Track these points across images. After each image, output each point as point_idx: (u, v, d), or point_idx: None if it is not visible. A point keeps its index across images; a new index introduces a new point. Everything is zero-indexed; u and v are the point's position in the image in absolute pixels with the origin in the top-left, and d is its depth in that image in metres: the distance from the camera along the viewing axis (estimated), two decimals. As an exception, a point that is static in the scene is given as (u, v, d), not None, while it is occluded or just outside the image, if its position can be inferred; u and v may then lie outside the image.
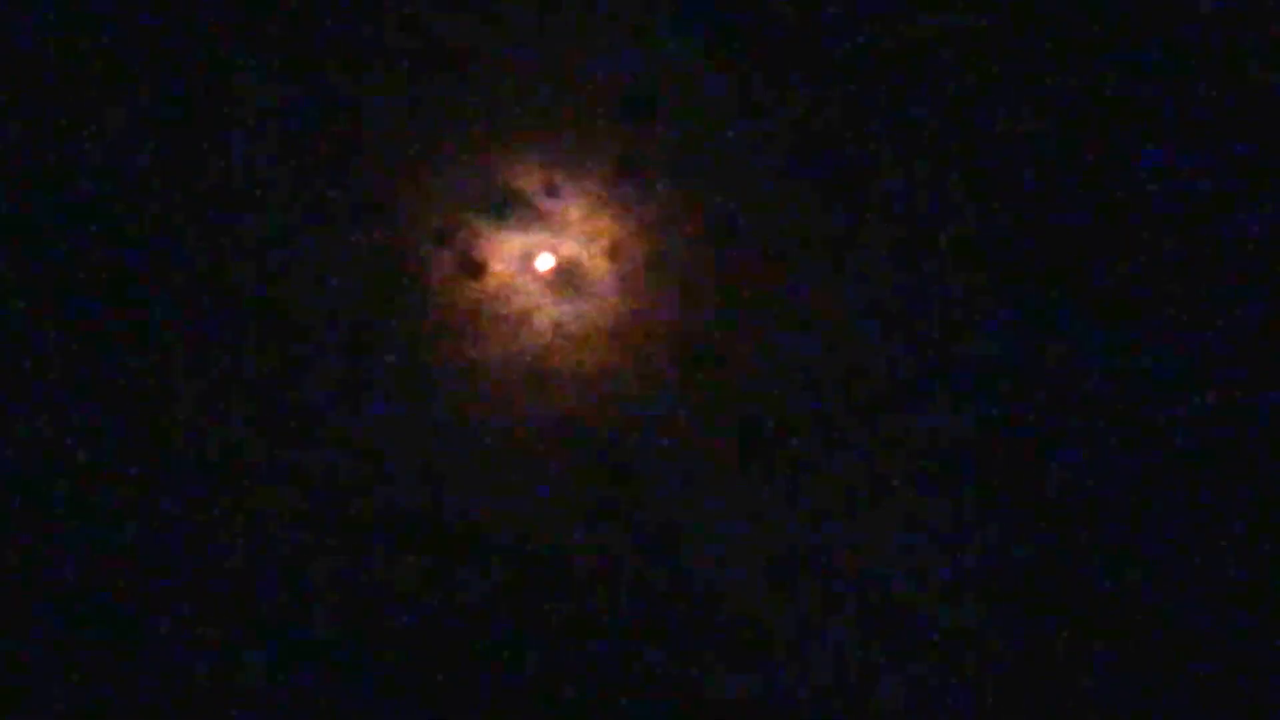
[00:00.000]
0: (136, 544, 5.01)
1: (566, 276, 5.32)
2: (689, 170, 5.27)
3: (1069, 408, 5.19)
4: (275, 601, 5.06)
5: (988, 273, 5.24)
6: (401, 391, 5.17)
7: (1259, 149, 5.21)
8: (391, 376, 5.17)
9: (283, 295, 5.15)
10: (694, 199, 5.28)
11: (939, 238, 5.24)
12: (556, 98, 5.24)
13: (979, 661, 5.12)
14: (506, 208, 5.28)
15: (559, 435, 5.20)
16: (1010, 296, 5.24)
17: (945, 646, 5.14)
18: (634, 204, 5.29)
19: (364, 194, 5.20)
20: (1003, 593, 5.15)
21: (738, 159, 5.29)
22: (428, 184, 5.23)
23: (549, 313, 5.30)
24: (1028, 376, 5.21)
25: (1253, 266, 5.19)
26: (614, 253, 5.29)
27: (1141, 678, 5.08)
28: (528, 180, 5.27)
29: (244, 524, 5.06)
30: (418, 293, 5.21)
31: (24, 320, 5.06)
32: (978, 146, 5.25)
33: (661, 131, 5.26)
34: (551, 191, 5.28)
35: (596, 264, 5.31)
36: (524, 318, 5.29)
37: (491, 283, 5.28)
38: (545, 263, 5.32)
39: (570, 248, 5.32)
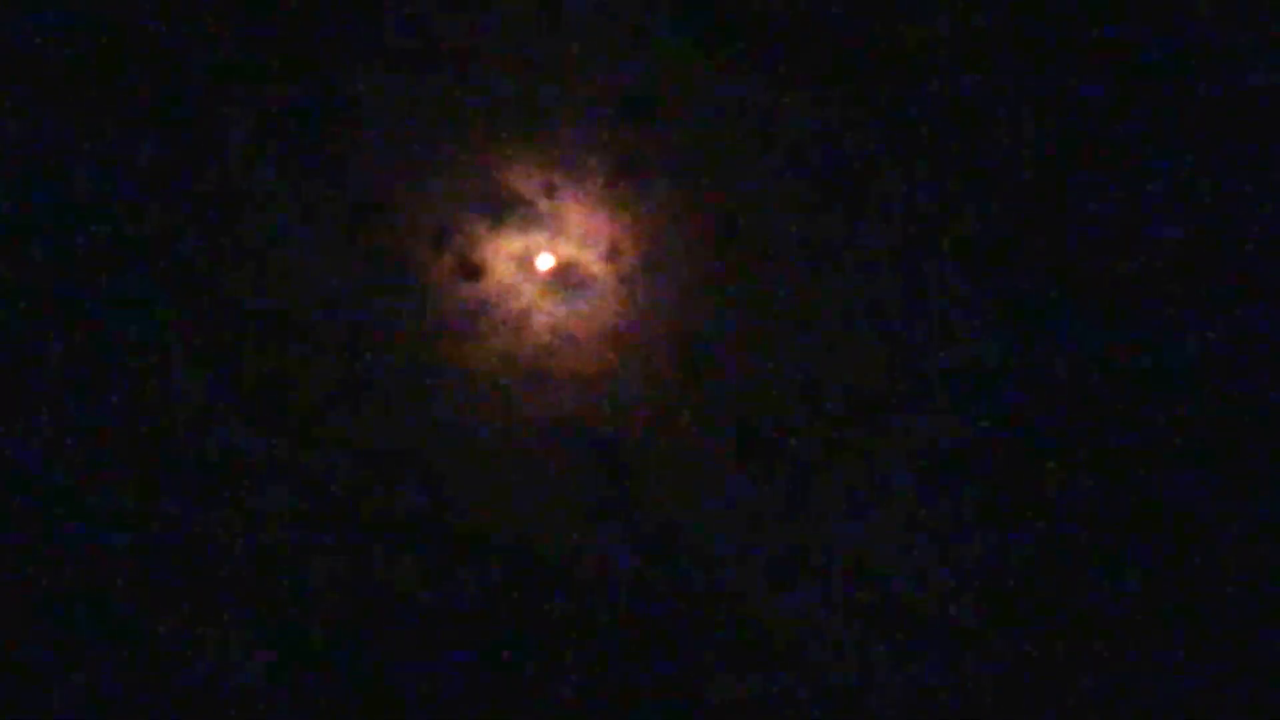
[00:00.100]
0: (136, 544, 5.02)
1: (566, 277, 5.32)
2: (688, 171, 5.27)
3: (1069, 408, 5.19)
4: (275, 601, 5.06)
5: (987, 273, 5.24)
6: (401, 391, 5.17)
7: (1259, 149, 5.21)
8: (391, 376, 5.17)
9: (282, 296, 5.15)
10: (694, 199, 5.27)
11: (938, 238, 5.23)
12: (556, 98, 5.24)
13: (979, 661, 5.12)
14: (506, 209, 5.28)
15: (559, 435, 5.20)
16: (1010, 297, 5.23)
17: (945, 646, 5.13)
18: (633, 205, 5.29)
19: (364, 194, 5.20)
20: (1003, 593, 5.15)
21: (738, 159, 5.29)
22: (427, 184, 5.23)
23: (548, 313, 5.30)
24: (1027, 376, 5.21)
25: (1253, 266, 5.19)
26: (613, 253, 5.29)
27: (1141, 678, 5.08)
28: (527, 181, 5.27)
29: (244, 524, 5.07)
30: (417, 293, 5.21)
31: (24, 320, 5.06)
32: (978, 146, 5.25)
33: (661, 132, 5.26)
34: (551, 192, 5.28)
35: (595, 265, 5.31)
36: (523, 318, 5.29)
37: (491, 283, 5.28)
38: (544, 263, 5.32)
39: (569, 248, 5.32)
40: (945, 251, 5.23)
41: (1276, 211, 5.18)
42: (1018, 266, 5.23)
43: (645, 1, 5.25)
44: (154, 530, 5.02)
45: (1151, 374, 5.17)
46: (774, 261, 5.25)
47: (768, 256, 5.26)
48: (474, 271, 5.26)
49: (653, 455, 5.19)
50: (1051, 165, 5.23)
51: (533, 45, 5.25)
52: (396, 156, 5.22)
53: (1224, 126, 5.21)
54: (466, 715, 5.06)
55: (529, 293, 5.31)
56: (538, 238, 5.31)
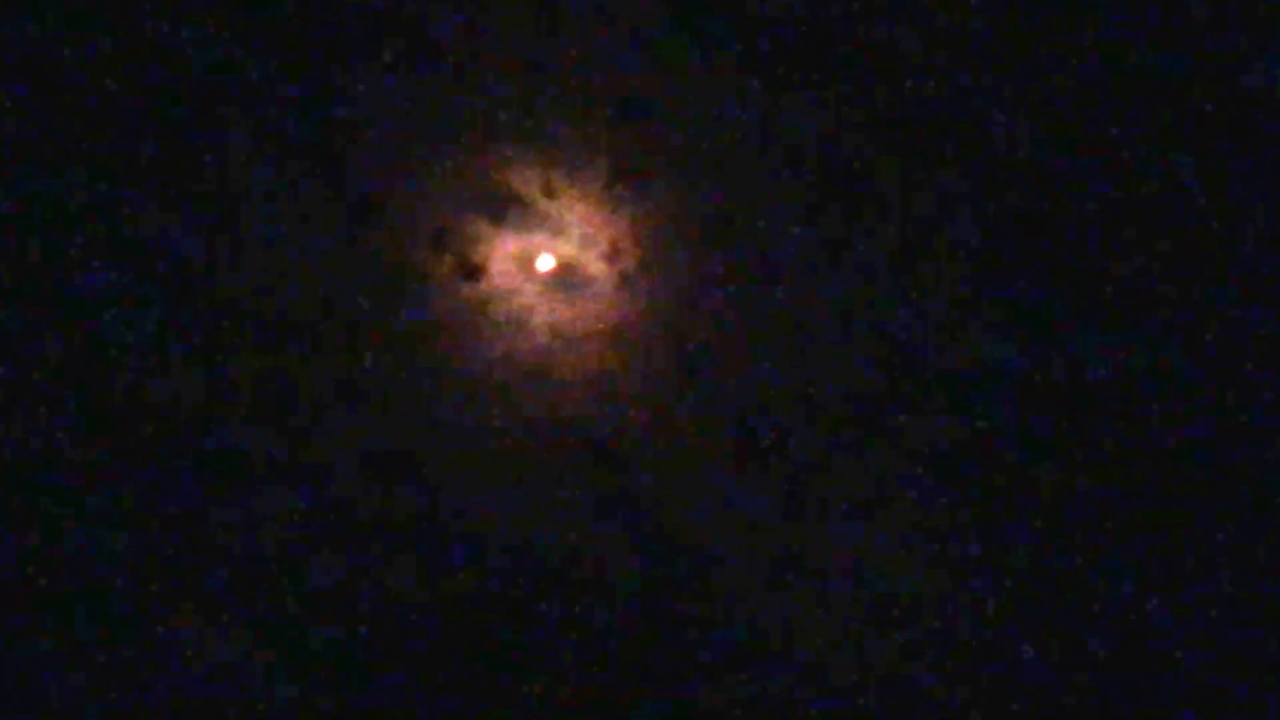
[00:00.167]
0: (136, 544, 5.02)
1: (565, 277, 5.32)
2: (688, 171, 5.26)
3: (1068, 408, 5.18)
4: (275, 601, 5.07)
5: (986, 274, 5.24)
6: (401, 391, 5.18)
7: (1258, 149, 5.20)
8: (391, 376, 5.17)
9: (282, 296, 5.16)
10: (693, 199, 5.27)
11: (936, 239, 5.23)
12: (555, 98, 5.24)
13: (979, 661, 5.12)
14: (505, 209, 5.28)
15: (558, 435, 5.20)
16: (1009, 297, 5.23)
17: (944, 646, 5.14)
18: (633, 205, 5.28)
19: (363, 194, 5.20)
20: (1003, 592, 5.15)
21: (737, 159, 5.28)
22: (426, 184, 5.23)
23: (548, 313, 5.30)
24: (1027, 377, 5.20)
25: (1253, 266, 5.18)
26: (613, 253, 5.29)
27: (1141, 678, 5.08)
28: (526, 181, 5.27)
29: (244, 524, 5.07)
30: (417, 293, 5.22)
31: (24, 320, 5.07)
32: (976, 147, 5.24)
33: (660, 132, 5.26)
34: (550, 192, 5.28)
35: (595, 265, 5.31)
36: (523, 318, 5.29)
37: (490, 284, 5.29)
38: (544, 264, 5.32)
39: (569, 248, 5.32)
40: (943, 252, 5.22)
41: (1276, 211, 5.18)
42: (1016, 267, 5.23)
43: (644, 2, 5.24)
44: (154, 530, 5.03)
45: (1151, 374, 5.17)
46: (773, 262, 5.25)
47: (767, 257, 5.25)
48: (474, 271, 5.26)
49: (651, 455, 5.19)
50: (1050, 165, 5.22)
51: (532, 45, 5.24)
52: (396, 157, 5.22)
53: (1223, 127, 5.21)
54: (466, 715, 5.07)
55: (529, 293, 5.31)
56: (538, 238, 5.31)
